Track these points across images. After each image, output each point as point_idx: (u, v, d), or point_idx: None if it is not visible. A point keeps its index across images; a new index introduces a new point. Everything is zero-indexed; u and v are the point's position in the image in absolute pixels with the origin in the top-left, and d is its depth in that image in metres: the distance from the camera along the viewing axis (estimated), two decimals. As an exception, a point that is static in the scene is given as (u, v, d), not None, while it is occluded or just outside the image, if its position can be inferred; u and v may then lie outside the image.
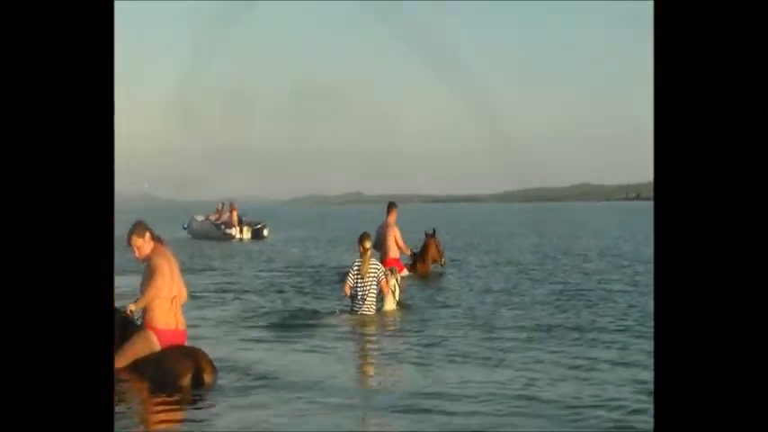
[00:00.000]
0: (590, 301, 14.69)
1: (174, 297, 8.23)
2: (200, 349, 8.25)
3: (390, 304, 13.05)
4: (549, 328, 11.52)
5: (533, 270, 21.02)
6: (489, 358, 9.57)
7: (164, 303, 8.16)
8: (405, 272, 18.23)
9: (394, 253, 18.23)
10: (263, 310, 13.74)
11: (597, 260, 24.22)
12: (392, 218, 18.40)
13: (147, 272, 8.26)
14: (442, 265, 19.74)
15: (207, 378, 7.86)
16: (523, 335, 11.05)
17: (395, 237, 18.22)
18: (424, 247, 19.51)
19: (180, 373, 7.81)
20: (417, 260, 19.29)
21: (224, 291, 16.62)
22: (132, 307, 8.26)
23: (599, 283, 17.77)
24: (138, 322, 8.40)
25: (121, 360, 8.14)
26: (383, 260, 17.67)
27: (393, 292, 13.15)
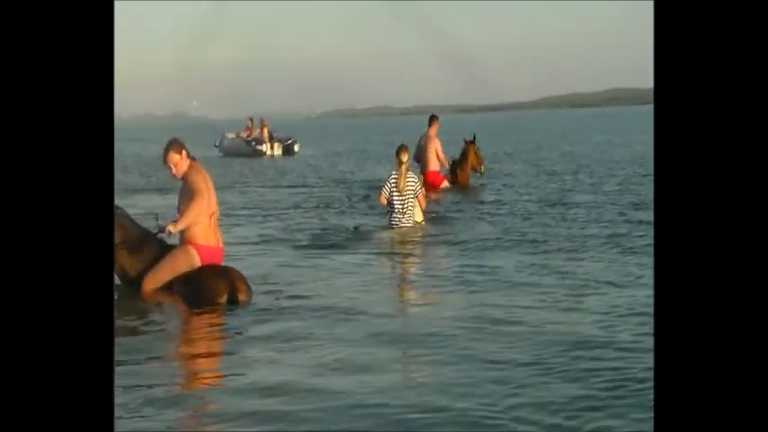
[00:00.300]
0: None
1: (213, 214, 8.22)
2: (234, 268, 8.29)
3: (419, 216, 12.64)
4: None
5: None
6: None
7: (203, 220, 8.15)
8: (445, 183, 18.20)
9: (434, 166, 18.19)
10: (301, 227, 13.69)
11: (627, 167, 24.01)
12: (433, 130, 18.25)
13: (186, 191, 8.24)
14: (481, 173, 19.36)
15: (242, 297, 7.95)
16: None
17: (436, 149, 18.12)
18: (464, 155, 19.12)
19: (216, 292, 7.90)
20: (457, 168, 18.93)
21: (259, 207, 16.64)
22: (172, 228, 8.25)
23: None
24: (169, 241, 8.46)
25: (162, 275, 8.25)
26: (424, 172, 17.81)
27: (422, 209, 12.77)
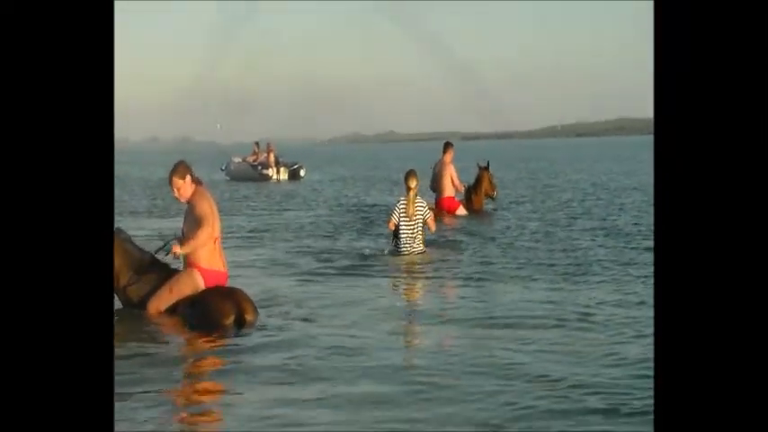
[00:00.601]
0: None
1: (216, 238, 8.24)
2: (240, 290, 8.25)
3: (420, 238, 12.47)
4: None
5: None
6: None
7: (208, 244, 8.16)
8: (461, 210, 18.39)
9: (449, 192, 18.38)
10: (305, 250, 13.60)
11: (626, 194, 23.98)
12: (448, 157, 18.51)
13: (192, 215, 8.23)
14: (494, 198, 19.62)
15: (248, 317, 7.91)
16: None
17: (451, 176, 18.32)
18: (478, 181, 19.27)
19: (223, 313, 7.86)
20: (471, 193, 19.08)
21: (263, 231, 16.61)
22: (178, 250, 8.19)
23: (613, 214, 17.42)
24: (173, 265, 8.45)
25: (166, 298, 8.22)
26: (439, 198, 18.12)
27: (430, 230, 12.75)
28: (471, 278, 10.82)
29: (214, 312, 7.89)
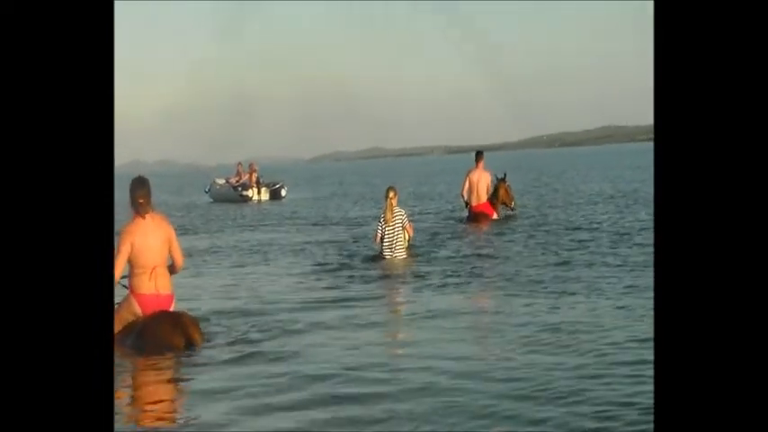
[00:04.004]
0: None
1: (155, 267, 8.31)
2: (185, 313, 8.43)
3: (402, 244, 14.14)
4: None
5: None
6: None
7: (143, 272, 8.29)
8: (495, 215, 19.63)
9: (484, 198, 19.64)
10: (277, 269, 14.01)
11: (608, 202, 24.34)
12: (482, 165, 19.73)
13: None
14: (512, 209, 20.46)
15: (197, 340, 8.13)
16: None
17: (487, 183, 19.70)
18: (495, 191, 20.10)
19: (171, 339, 8.04)
20: (490, 203, 19.93)
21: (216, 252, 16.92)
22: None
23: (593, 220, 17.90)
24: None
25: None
26: (477, 204, 19.56)
27: (409, 238, 14.29)
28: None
29: (163, 339, 8.03)
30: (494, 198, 19.98)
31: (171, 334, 8.04)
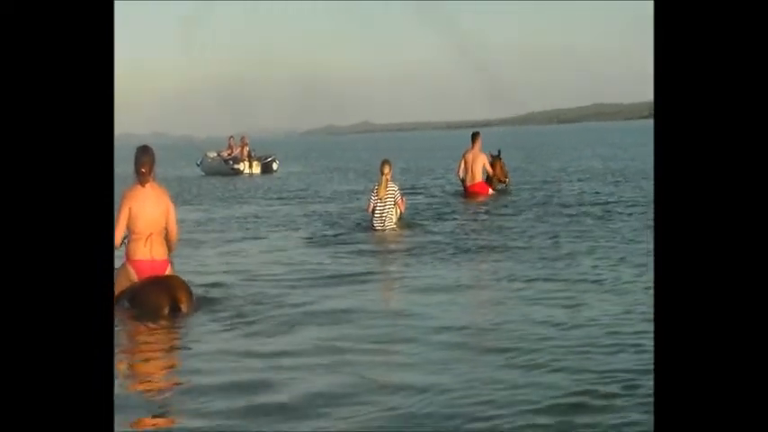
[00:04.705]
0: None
1: (150, 234, 8.49)
2: (177, 278, 8.54)
3: (394, 217, 14.53)
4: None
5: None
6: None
7: (139, 239, 8.49)
8: (491, 191, 19.97)
9: (480, 177, 19.92)
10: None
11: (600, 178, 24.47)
12: (478, 145, 19.96)
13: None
14: (506, 185, 20.86)
15: (183, 307, 8.22)
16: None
17: (483, 163, 19.97)
18: (491, 168, 20.42)
19: (158, 304, 8.17)
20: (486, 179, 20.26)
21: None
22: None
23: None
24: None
25: None
26: (472, 184, 19.84)
27: (401, 213, 14.71)
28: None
29: (150, 304, 8.21)
30: (489, 175, 20.28)
31: (158, 297, 8.20)
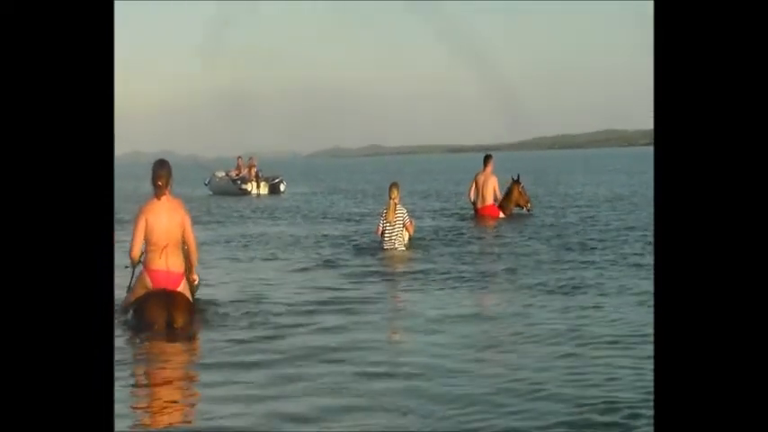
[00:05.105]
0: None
1: (166, 246, 8.71)
2: (179, 294, 8.74)
3: (403, 239, 14.69)
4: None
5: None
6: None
7: (155, 249, 8.73)
8: (501, 214, 19.95)
9: (491, 200, 19.98)
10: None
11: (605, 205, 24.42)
12: (490, 168, 20.07)
13: None
14: (528, 210, 20.82)
15: (177, 324, 8.48)
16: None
17: (494, 186, 19.98)
18: (509, 192, 20.56)
19: (153, 319, 8.47)
20: (502, 204, 20.26)
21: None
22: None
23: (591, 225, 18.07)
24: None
25: (128, 299, 8.89)
26: (483, 206, 19.99)
27: (410, 235, 14.80)
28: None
29: (148, 317, 8.50)
30: (506, 199, 20.26)
31: (155, 313, 8.46)
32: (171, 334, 8.32)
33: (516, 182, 20.63)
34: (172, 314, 8.47)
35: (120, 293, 8.42)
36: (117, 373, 6.67)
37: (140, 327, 8.45)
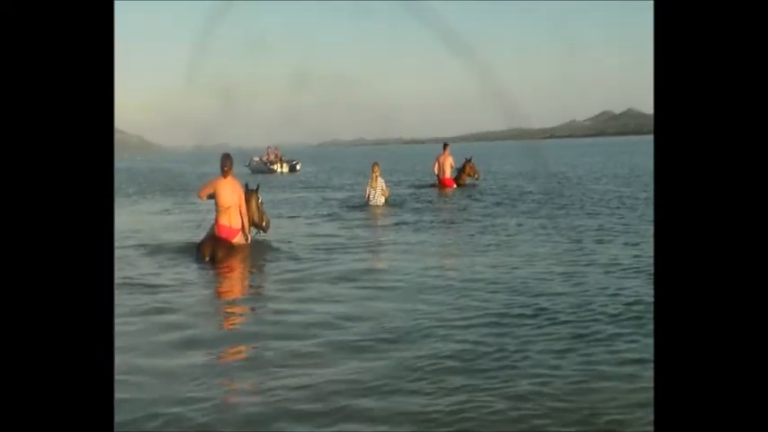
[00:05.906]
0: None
1: (229, 207, 9.23)
2: (223, 239, 9.15)
3: (382, 200, 15.55)
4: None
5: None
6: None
7: (222, 210, 9.34)
8: (455, 185, 19.68)
9: (448, 174, 19.86)
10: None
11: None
12: (447, 151, 19.98)
13: None
14: (476, 180, 20.67)
15: (217, 257, 8.85)
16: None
17: (450, 164, 19.98)
18: (463, 168, 20.47)
19: (203, 252, 9.01)
20: (459, 174, 20.23)
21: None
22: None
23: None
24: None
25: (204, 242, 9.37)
26: (442, 178, 20.17)
27: (385, 197, 15.67)
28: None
29: (200, 251, 9.10)
30: (461, 172, 20.14)
31: (205, 249, 9.01)
32: (214, 263, 8.70)
33: (468, 160, 20.70)
34: (215, 251, 8.93)
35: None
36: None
37: (197, 258, 8.98)
